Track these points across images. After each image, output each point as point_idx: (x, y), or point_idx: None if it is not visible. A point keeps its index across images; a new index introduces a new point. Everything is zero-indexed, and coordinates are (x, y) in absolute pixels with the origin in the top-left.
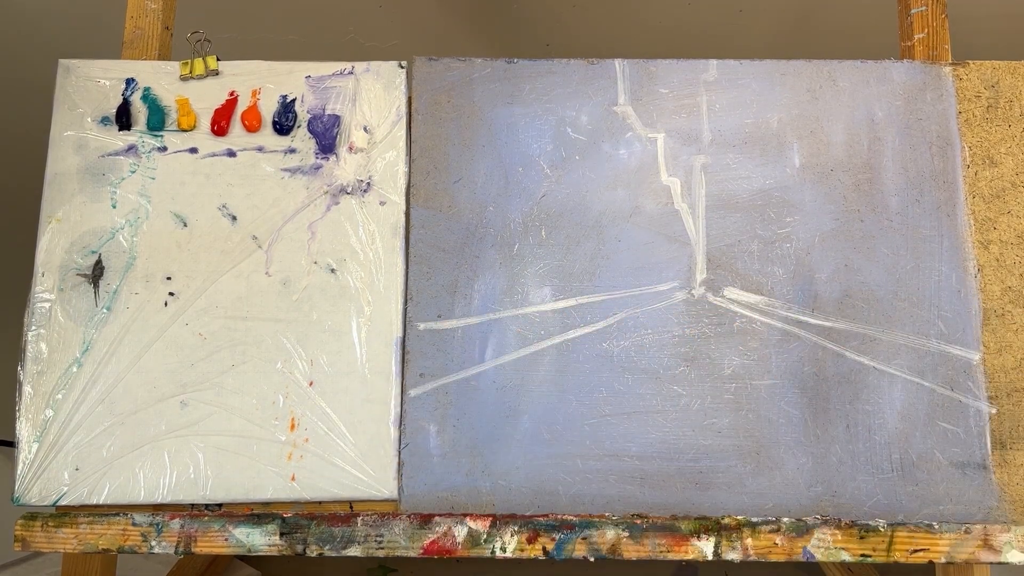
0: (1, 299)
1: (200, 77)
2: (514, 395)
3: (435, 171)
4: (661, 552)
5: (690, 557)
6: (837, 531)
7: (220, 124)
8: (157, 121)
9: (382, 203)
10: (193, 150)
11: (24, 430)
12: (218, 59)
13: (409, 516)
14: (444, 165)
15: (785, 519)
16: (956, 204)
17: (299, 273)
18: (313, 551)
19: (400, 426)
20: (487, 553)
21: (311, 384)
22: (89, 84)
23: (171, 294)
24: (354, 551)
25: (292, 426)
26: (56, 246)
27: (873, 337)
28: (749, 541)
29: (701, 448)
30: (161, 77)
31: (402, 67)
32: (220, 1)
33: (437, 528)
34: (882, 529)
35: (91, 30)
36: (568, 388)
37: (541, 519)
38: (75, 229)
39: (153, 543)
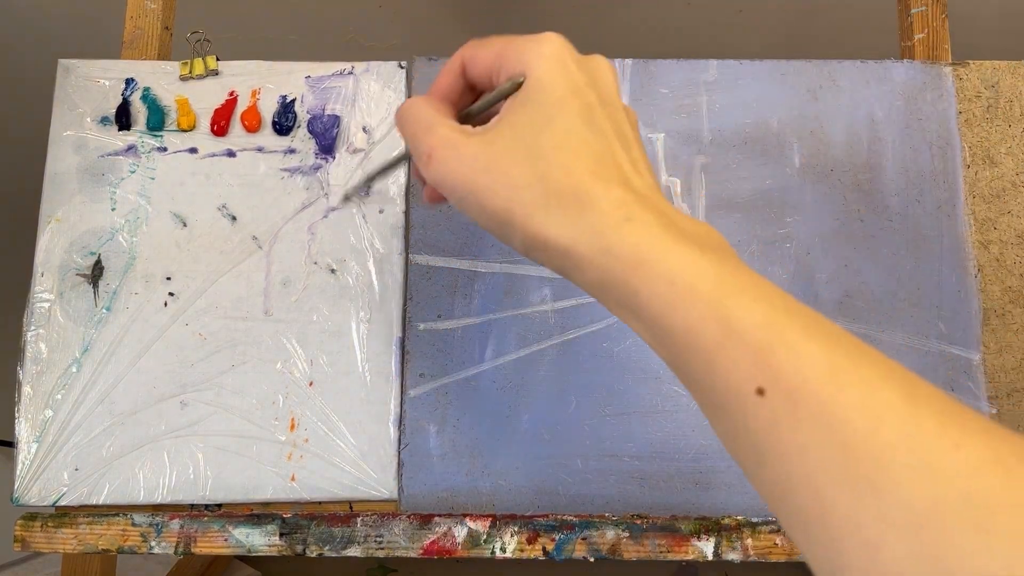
0: (1, 299)
1: (200, 77)
2: (514, 395)
3: None
4: (661, 552)
5: (690, 557)
6: None
7: (220, 124)
8: (157, 121)
9: (382, 203)
10: (193, 150)
11: (23, 430)
12: (218, 59)
13: (409, 516)
14: None
15: None
16: (956, 204)
17: (299, 273)
18: (313, 551)
19: (400, 426)
20: (487, 553)
21: (311, 384)
22: (89, 84)
23: (171, 294)
24: (354, 551)
25: (292, 426)
26: (55, 246)
27: (873, 337)
28: (749, 541)
29: (701, 448)
30: (161, 77)
31: (402, 67)
32: (220, 1)
33: (437, 528)
34: None
35: (91, 30)
36: (568, 388)
37: (541, 519)
38: (74, 229)
39: (153, 543)
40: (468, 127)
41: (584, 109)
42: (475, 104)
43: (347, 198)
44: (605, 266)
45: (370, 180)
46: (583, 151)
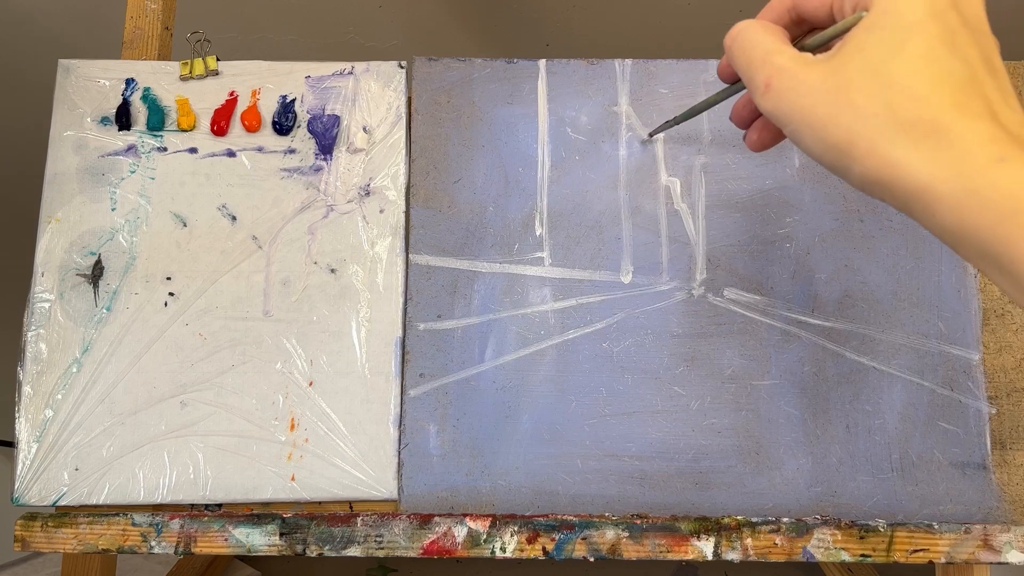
0: (1, 299)
1: (200, 77)
2: (514, 395)
3: (435, 171)
4: (661, 552)
5: (690, 557)
6: (837, 531)
7: (220, 124)
8: (157, 121)
9: (382, 203)
10: (193, 150)
11: (23, 430)
12: (218, 59)
13: (409, 516)
14: (444, 165)
15: (785, 519)
16: None
17: (299, 273)
18: (313, 551)
19: (400, 426)
20: (487, 553)
21: (311, 384)
22: (89, 84)
23: (171, 294)
24: (354, 551)
25: (292, 426)
26: (56, 246)
27: (873, 337)
28: (749, 541)
29: (701, 448)
30: (161, 77)
31: (402, 67)
32: (220, 1)
33: (437, 528)
34: (882, 529)
35: (91, 30)
36: (568, 388)
37: (541, 519)
38: (75, 229)
39: (153, 543)
40: (808, 55)
41: (945, 33)
42: (811, 38)
43: (651, 136)
44: (967, 211)
45: (689, 116)
46: (943, 79)
